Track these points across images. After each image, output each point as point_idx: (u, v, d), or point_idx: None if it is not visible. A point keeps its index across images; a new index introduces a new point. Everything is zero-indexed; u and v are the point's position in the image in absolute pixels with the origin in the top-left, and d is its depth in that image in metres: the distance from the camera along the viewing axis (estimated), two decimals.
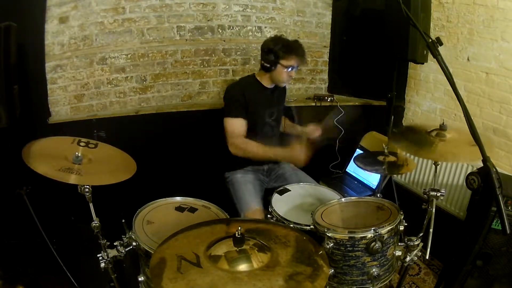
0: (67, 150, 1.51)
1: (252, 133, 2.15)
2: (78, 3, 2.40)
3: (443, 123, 1.73)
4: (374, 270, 1.49)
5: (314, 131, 2.30)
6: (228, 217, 1.68)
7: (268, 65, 2.11)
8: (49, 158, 1.44)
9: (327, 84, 3.43)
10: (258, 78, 2.22)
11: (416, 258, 1.70)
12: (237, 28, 2.90)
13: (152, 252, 1.25)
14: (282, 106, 2.40)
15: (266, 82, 2.21)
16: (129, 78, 2.70)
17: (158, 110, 2.77)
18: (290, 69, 2.10)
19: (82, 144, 1.58)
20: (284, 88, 2.42)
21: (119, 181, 1.46)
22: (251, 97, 2.14)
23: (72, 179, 1.39)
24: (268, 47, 2.10)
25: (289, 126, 2.51)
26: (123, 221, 1.56)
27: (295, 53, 2.07)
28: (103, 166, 1.53)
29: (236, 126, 2.10)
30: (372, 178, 2.71)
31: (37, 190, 2.11)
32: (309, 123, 2.38)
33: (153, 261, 1.07)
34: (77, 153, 1.48)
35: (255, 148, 2.07)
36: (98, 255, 1.55)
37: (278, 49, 2.06)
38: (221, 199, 1.89)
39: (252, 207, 2.04)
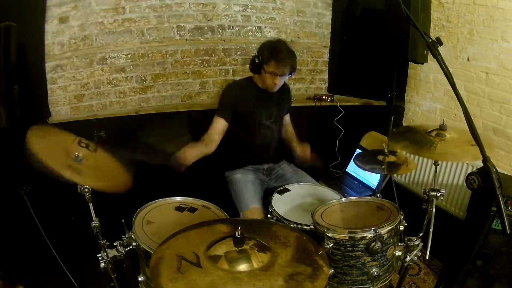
0: (68, 147, 1.49)
1: (248, 134, 2.15)
2: (78, 3, 2.40)
3: (443, 123, 1.73)
4: (374, 270, 1.49)
5: (304, 152, 2.26)
6: (228, 217, 1.68)
7: (251, 67, 2.12)
8: (52, 148, 1.42)
9: (327, 84, 3.43)
10: (255, 81, 2.22)
11: (416, 258, 1.70)
12: (237, 28, 2.90)
13: (152, 252, 1.25)
14: (283, 107, 2.38)
15: (261, 84, 2.21)
16: (129, 78, 2.70)
17: (158, 110, 2.77)
18: (273, 75, 2.05)
19: (82, 145, 1.57)
20: (287, 89, 2.41)
21: (111, 191, 1.44)
22: (245, 99, 2.15)
23: (69, 175, 1.36)
24: (258, 49, 2.11)
25: (289, 137, 2.44)
26: (123, 221, 1.56)
27: (275, 60, 2.01)
28: (99, 172, 1.51)
29: (215, 124, 2.13)
30: (372, 178, 2.71)
31: (37, 190, 2.11)
32: (310, 126, 2.35)
33: (153, 261, 1.07)
34: (77, 153, 1.47)
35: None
36: (98, 255, 1.55)
37: (262, 53, 2.06)
38: (221, 199, 1.89)
39: (250, 206, 2.04)
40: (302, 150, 2.28)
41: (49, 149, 1.40)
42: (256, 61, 2.08)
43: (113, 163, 1.62)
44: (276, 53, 2.03)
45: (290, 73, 2.11)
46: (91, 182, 1.44)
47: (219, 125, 2.14)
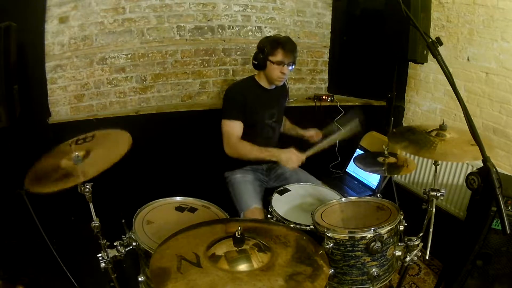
0: (67, 155, 1.48)
1: (252, 134, 2.15)
2: (78, 3, 2.40)
3: (443, 123, 1.73)
4: (374, 270, 1.49)
5: (314, 135, 2.31)
6: (228, 217, 1.68)
7: (256, 63, 2.12)
8: (52, 174, 1.42)
9: (327, 84, 3.43)
10: (257, 79, 2.22)
11: (416, 258, 1.70)
12: (237, 28, 2.90)
13: (152, 252, 1.25)
14: (283, 107, 2.39)
15: (264, 83, 2.21)
16: (129, 78, 2.70)
17: (158, 110, 2.77)
18: (280, 65, 2.07)
19: (80, 142, 1.57)
20: (285, 88, 2.42)
21: (119, 158, 1.43)
22: (250, 99, 2.13)
23: (80, 179, 1.38)
24: (258, 46, 2.12)
25: (289, 127, 2.50)
26: (123, 221, 1.56)
27: (282, 48, 2.04)
28: (101, 151, 1.51)
29: (233, 128, 2.09)
30: (372, 178, 2.72)
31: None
32: (310, 126, 2.37)
33: (153, 261, 1.07)
34: (76, 153, 1.47)
35: (248, 148, 2.06)
36: (98, 255, 1.55)
37: (265, 46, 2.07)
38: (221, 199, 1.89)
39: (251, 206, 2.04)
40: (313, 130, 2.33)
41: (54, 177, 1.40)
42: (261, 56, 2.08)
43: (112, 135, 1.64)
44: (280, 42, 2.07)
45: (294, 63, 2.13)
46: (96, 169, 1.42)
47: (238, 129, 2.10)
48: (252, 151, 2.05)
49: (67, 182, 1.36)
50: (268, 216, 1.80)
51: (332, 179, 2.90)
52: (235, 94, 2.14)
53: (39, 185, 1.37)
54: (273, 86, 2.23)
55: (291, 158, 1.96)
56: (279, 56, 2.05)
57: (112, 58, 2.61)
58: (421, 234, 1.72)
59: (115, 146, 1.53)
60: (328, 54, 3.33)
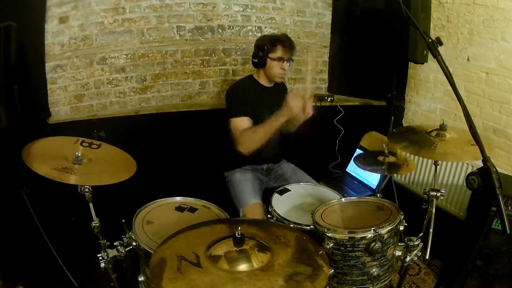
0: (68, 150, 1.50)
1: None
2: (78, 3, 2.40)
3: (443, 123, 1.73)
4: (374, 270, 1.49)
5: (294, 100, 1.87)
6: (228, 217, 1.68)
7: (256, 61, 2.13)
8: (49, 158, 1.43)
9: (327, 84, 3.43)
10: (256, 78, 2.23)
11: (416, 258, 1.70)
12: (237, 28, 2.90)
13: (152, 252, 1.25)
14: (282, 104, 2.39)
15: (264, 81, 2.21)
16: (129, 78, 2.70)
17: (158, 110, 2.77)
18: (280, 62, 2.09)
19: (85, 144, 1.57)
20: (284, 86, 2.42)
21: (119, 181, 1.46)
22: (252, 97, 2.14)
23: (72, 180, 1.38)
24: (256, 44, 2.14)
25: None
26: (123, 221, 1.56)
27: (281, 44, 2.07)
28: (103, 166, 1.53)
29: (241, 124, 2.05)
30: (372, 178, 2.71)
31: (37, 190, 2.11)
32: (310, 126, 2.18)
33: (153, 261, 1.07)
34: (77, 153, 1.48)
35: (253, 133, 1.95)
36: (98, 255, 1.55)
37: (264, 44, 2.09)
38: (221, 199, 1.89)
39: (250, 202, 2.04)
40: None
41: (49, 162, 1.41)
42: (260, 53, 2.10)
43: (118, 155, 1.64)
44: (279, 39, 2.09)
45: (292, 59, 2.15)
46: (96, 179, 1.45)
47: (247, 125, 2.03)
48: (258, 132, 1.92)
49: (61, 177, 1.37)
50: (268, 216, 1.80)
51: (332, 179, 2.90)
52: (238, 91, 2.16)
53: (36, 161, 1.38)
54: (272, 84, 2.24)
55: (296, 105, 1.77)
56: (279, 52, 2.08)
57: (112, 58, 2.61)
58: (421, 234, 1.72)
59: (117, 169, 1.55)
60: (328, 54, 3.33)
